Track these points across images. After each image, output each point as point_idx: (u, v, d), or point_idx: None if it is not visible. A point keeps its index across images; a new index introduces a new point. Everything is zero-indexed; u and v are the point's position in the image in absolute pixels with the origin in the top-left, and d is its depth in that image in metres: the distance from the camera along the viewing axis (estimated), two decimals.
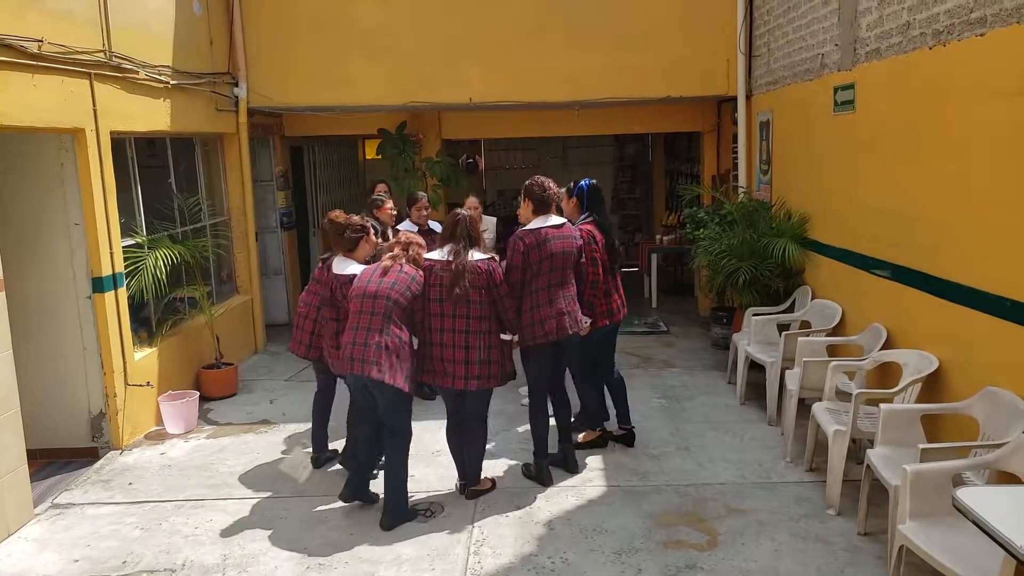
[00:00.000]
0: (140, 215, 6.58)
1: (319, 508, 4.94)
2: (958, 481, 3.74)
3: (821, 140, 6.50)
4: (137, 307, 6.51)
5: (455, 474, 5.10)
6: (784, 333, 6.13)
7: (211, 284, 7.80)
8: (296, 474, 5.49)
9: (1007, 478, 3.67)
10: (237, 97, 8.20)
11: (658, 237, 11.17)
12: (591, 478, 5.23)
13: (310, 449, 5.65)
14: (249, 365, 8.10)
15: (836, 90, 6.12)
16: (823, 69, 6.43)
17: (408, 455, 4.76)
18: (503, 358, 4.80)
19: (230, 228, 8.39)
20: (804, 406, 5.40)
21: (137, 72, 6.34)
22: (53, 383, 5.80)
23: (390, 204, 6.63)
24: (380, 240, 5.39)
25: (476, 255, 4.68)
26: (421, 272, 4.69)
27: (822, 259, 6.58)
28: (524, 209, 5.08)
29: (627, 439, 5.71)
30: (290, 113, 9.22)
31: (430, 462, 5.52)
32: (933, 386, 4.61)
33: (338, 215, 5.10)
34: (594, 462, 5.46)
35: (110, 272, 5.87)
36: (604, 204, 5.68)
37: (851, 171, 5.91)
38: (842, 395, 5.04)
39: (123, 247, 6.12)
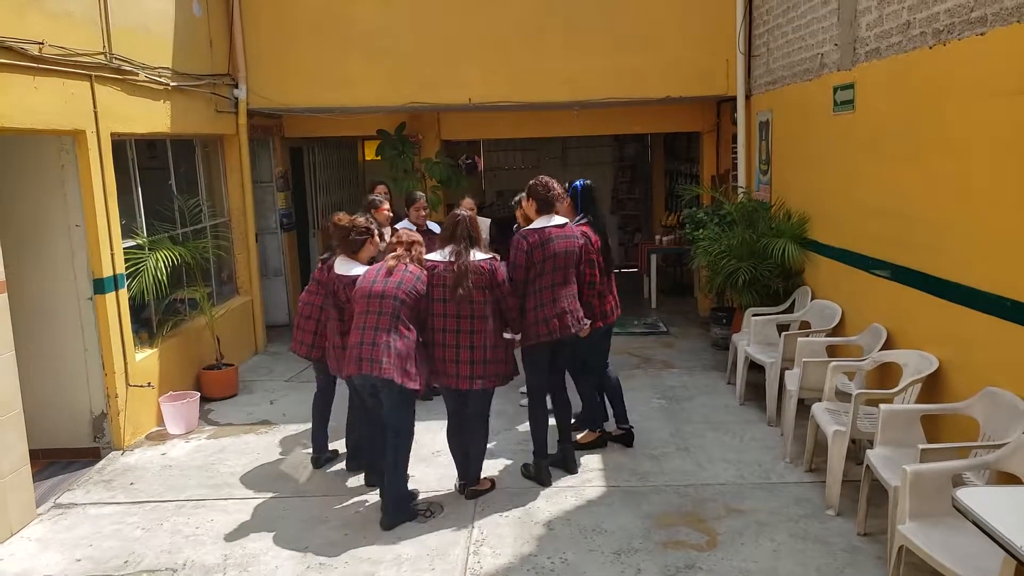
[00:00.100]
0: (141, 216, 6.59)
1: (319, 508, 4.94)
2: (958, 481, 3.74)
3: (821, 140, 6.50)
4: (138, 308, 6.52)
5: (455, 474, 5.11)
6: (784, 333, 6.13)
7: (211, 285, 7.81)
8: (296, 474, 5.50)
9: (1007, 478, 3.67)
10: (237, 98, 8.21)
11: (658, 237, 11.16)
12: (590, 478, 5.23)
13: (310, 449, 5.66)
14: (249, 366, 8.11)
15: (836, 90, 6.12)
16: (823, 69, 6.43)
17: (409, 455, 4.77)
18: (506, 357, 4.82)
19: (230, 229, 8.39)
20: (804, 406, 5.40)
21: (137, 74, 6.35)
22: (55, 384, 5.82)
23: (387, 206, 6.64)
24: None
25: (478, 255, 4.69)
26: (425, 272, 4.70)
27: (822, 259, 6.58)
28: (527, 208, 5.09)
29: (626, 439, 5.71)
30: (290, 114, 9.22)
31: (430, 462, 5.53)
32: (933, 386, 4.61)
33: (342, 218, 5.12)
34: (594, 462, 5.46)
35: (111, 273, 5.88)
36: (599, 205, 5.67)
37: (851, 171, 5.91)
38: (842, 395, 5.04)
39: (124, 248, 6.13)
